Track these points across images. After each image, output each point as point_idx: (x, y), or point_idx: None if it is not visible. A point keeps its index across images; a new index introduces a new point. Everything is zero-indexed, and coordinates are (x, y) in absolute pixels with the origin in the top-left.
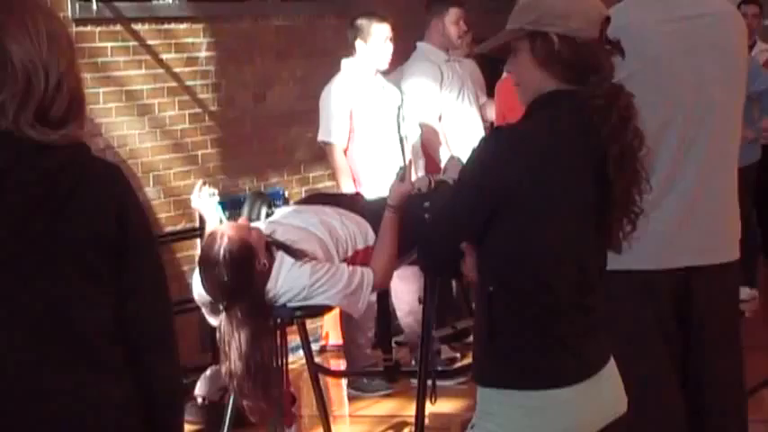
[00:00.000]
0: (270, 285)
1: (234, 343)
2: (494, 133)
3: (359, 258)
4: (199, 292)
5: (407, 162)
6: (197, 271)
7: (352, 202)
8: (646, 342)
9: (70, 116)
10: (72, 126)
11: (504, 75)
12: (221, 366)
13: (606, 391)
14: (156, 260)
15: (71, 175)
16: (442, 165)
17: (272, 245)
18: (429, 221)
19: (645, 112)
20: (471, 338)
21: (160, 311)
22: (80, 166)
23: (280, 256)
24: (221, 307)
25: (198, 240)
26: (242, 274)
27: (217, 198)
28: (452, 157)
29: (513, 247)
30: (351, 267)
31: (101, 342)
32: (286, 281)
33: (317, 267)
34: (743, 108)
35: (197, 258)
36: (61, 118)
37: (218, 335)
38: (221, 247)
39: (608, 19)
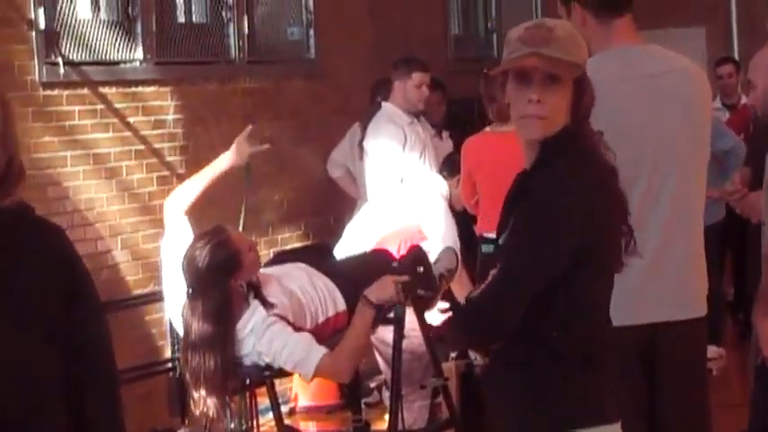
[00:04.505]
0: (240, 326)
1: (192, 333)
2: (554, 184)
3: (330, 325)
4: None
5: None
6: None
7: (319, 261)
8: None
9: (11, 179)
10: (13, 189)
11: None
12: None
13: None
14: (102, 319)
15: (19, 235)
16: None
17: (252, 289)
18: (482, 295)
19: None
20: (441, 398)
21: (106, 367)
22: (27, 227)
23: (255, 304)
24: (186, 289)
25: (166, 303)
26: (215, 272)
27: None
28: (448, 248)
29: (581, 295)
30: (308, 336)
31: (49, 395)
32: (254, 328)
33: (277, 325)
34: (708, 165)
35: (165, 321)
36: (1, 181)
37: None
38: (218, 238)
39: None
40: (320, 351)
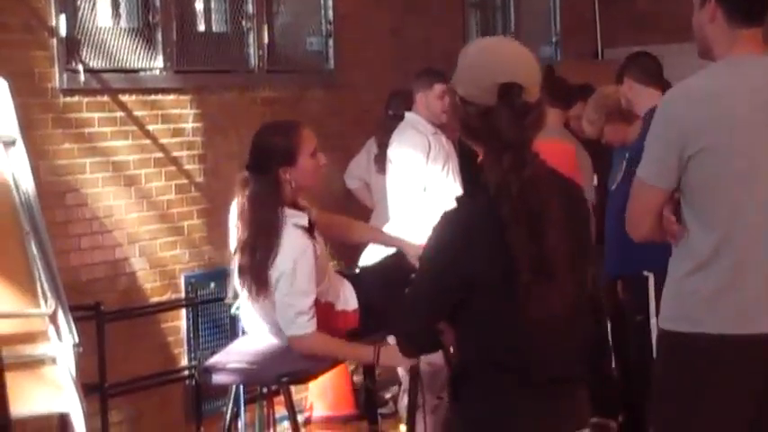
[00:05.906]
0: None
1: (243, 212)
2: (447, 214)
3: (338, 320)
4: None
5: None
6: None
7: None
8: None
9: None
10: None
11: None
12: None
13: None
14: None
15: None
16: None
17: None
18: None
19: (727, 181)
20: None
21: None
22: None
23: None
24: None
25: (183, 311)
26: (266, 156)
27: None
28: None
29: (486, 325)
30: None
31: None
32: (291, 236)
33: (309, 259)
34: None
35: (183, 329)
36: None
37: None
38: (287, 127)
39: (507, 85)
40: (310, 326)
